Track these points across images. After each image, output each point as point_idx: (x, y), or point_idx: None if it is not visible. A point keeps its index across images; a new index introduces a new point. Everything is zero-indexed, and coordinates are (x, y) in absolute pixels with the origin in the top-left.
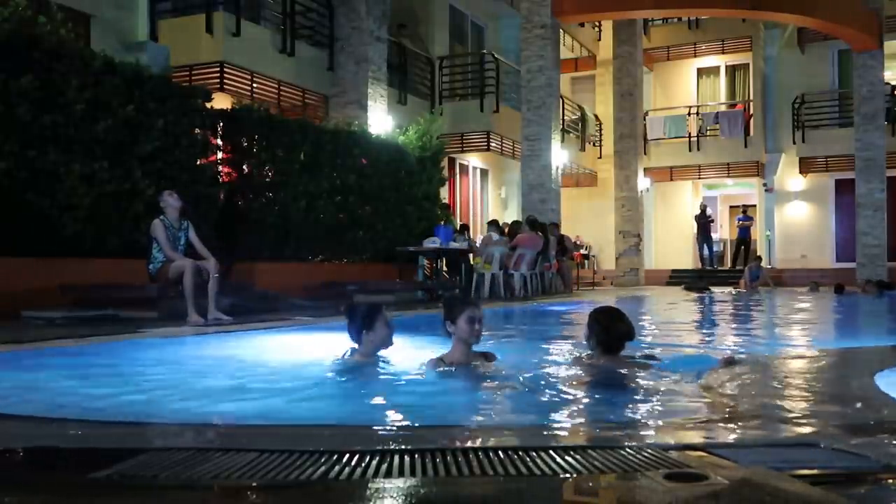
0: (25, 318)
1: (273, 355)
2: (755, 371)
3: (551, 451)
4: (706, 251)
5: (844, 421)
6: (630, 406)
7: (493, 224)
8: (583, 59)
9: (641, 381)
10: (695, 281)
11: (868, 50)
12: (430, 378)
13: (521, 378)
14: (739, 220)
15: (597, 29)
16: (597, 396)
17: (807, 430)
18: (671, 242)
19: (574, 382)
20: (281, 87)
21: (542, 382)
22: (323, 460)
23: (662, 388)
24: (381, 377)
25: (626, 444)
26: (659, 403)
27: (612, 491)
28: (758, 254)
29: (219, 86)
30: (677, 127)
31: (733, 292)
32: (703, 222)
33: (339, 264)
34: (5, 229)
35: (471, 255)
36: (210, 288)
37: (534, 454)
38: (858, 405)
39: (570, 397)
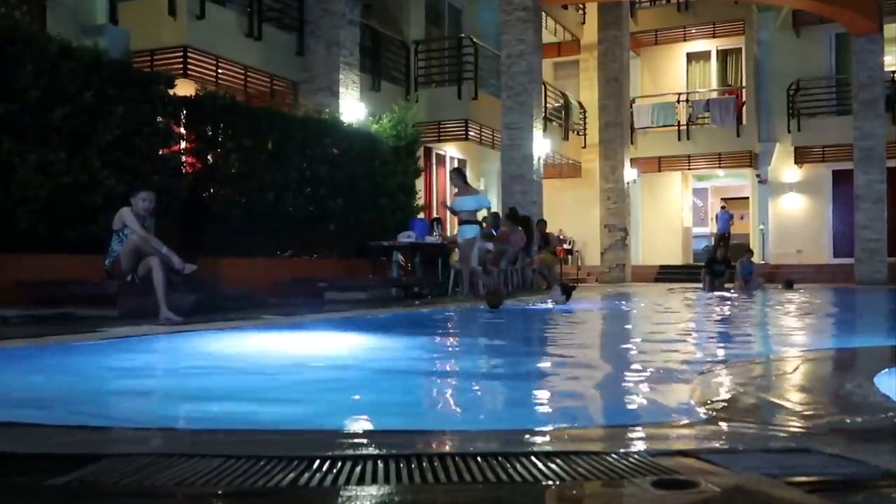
0: None
1: (239, 355)
2: (748, 373)
3: (533, 457)
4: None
5: (842, 425)
6: (616, 409)
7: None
8: (566, 44)
9: (628, 383)
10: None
11: (867, 33)
12: (405, 380)
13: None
14: (718, 214)
15: (581, 11)
16: (582, 400)
17: (802, 434)
18: (659, 237)
19: (558, 385)
20: (248, 73)
21: (525, 385)
22: (292, 466)
23: (650, 390)
24: (356, 378)
25: (612, 449)
26: (647, 406)
27: (598, 499)
28: (749, 248)
29: (182, 71)
30: (666, 115)
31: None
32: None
33: (309, 260)
34: None
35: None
36: (157, 284)
37: (514, 460)
38: (857, 408)
39: (553, 400)
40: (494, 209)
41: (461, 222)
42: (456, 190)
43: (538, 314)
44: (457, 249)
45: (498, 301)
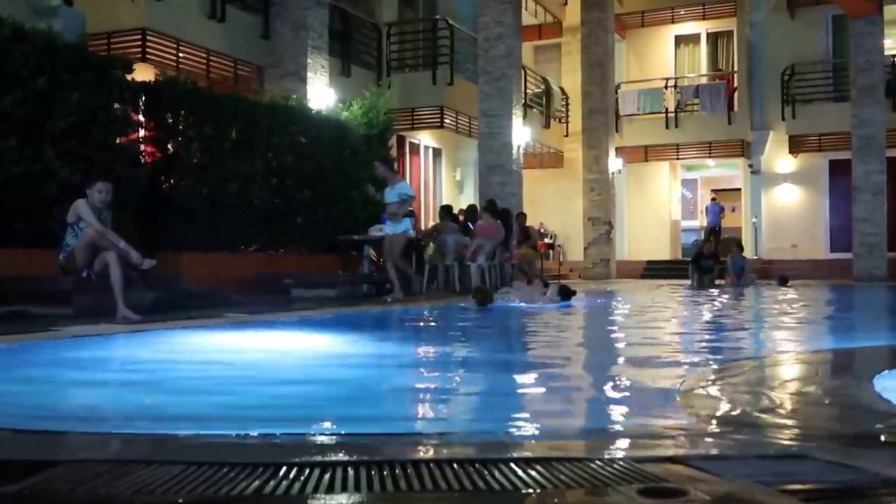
0: None
1: (201, 356)
2: (741, 375)
3: (512, 464)
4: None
5: (840, 430)
6: (601, 412)
7: (447, 210)
8: (547, 26)
9: (614, 386)
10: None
11: (865, 15)
12: (375, 382)
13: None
14: (708, 206)
15: None
16: (564, 404)
17: (798, 440)
18: (646, 230)
19: (539, 388)
20: (210, 57)
21: (504, 388)
22: (258, 474)
23: (637, 393)
24: (325, 381)
25: (595, 455)
26: (633, 409)
27: None
28: (740, 241)
29: (140, 55)
30: (653, 101)
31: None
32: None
33: (275, 255)
34: None
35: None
36: (114, 280)
37: (493, 467)
38: (855, 412)
39: (534, 404)
40: (471, 202)
41: (390, 215)
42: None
43: (522, 313)
44: (431, 244)
45: (486, 299)
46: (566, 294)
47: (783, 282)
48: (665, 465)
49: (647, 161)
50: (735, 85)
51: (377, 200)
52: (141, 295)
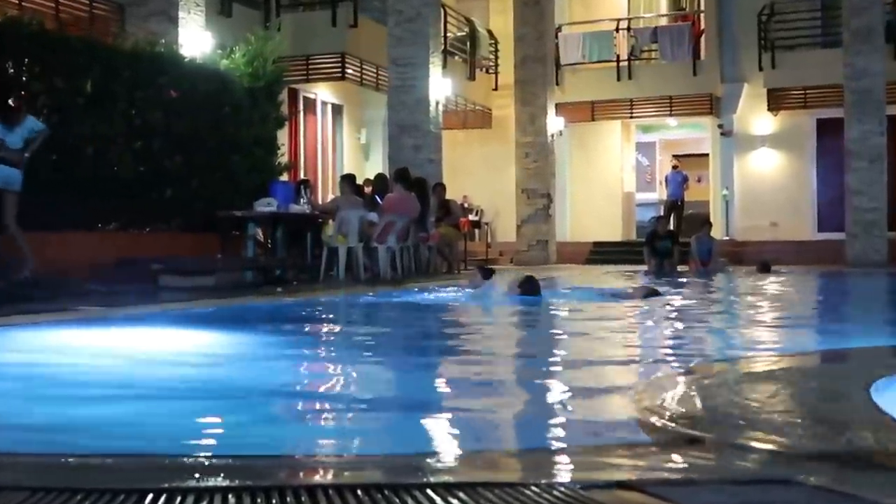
0: None
1: (46, 358)
2: (710, 381)
3: (429, 490)
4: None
5: (830, 449)
6: (538, 428)
7: (349, 180)
8: None
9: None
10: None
11: None
12: (262, 391)
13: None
14: (668, 176)
15: None
16: (494, 416)
17: (779, 460)
18: (593, 205)
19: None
20: None
21: (420, 397)
22: (118, 501)
23: (582, 404)
24: (199, 389)
25: (531, 479)
26: (577, 425)
27: None
28: (708, 218)
29: None
30: (601, 47)
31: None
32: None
33: (140, 234)
34: None
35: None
36: None
37: (405, 493)
38: (848, 427)
39: (456, 416)
40: (379, 170)
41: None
42: None
43: (442, 306)
44: (331, 221)
45: (535, 289)
46: (531, 287)
47: (765, 268)
48: (616, 491)
49: (593, 120)
50: (702, 27)
51: (264, 167)
52: None
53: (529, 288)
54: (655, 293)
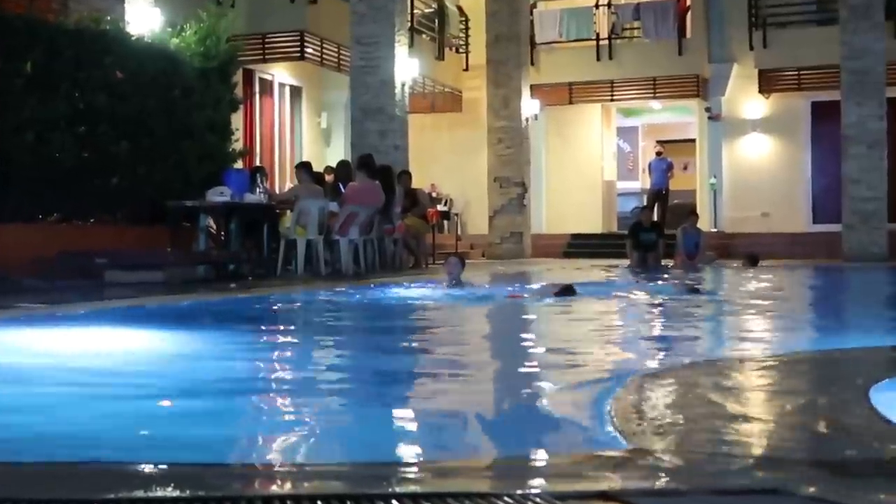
0: None
1: None
2: (695, 384)
3: (394, 501)
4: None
5: (824, 456)
6: (511, 433)
7: (306, 167)
8: None
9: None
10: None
11: None
12: (215, 394)
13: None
14: (652, 163)
15: None
16: (465, 421)
17: (769, 469)
18: (571, 195)
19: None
20: None
21: (384, 399)
22: None
23: (558, 408)
24: (147, 393)
25: (503, 489)
26: (553, 430)
27: None
28: (694, 209)
29: None
30: (580, 25)
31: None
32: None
33: (83, 226)
34: None
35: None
36: None
37: None
38: (844, 434)
39: (424, 420)
40: (341, 157)
41: None
42: None
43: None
44: (289, 212)
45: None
46: (567, 290)
47: (753, 262)
48: (597, 502)
49: (571, 103)
50: (688, 3)
51: (217, 154)
52: None
53: (566, 290)
54: (571, 291)
